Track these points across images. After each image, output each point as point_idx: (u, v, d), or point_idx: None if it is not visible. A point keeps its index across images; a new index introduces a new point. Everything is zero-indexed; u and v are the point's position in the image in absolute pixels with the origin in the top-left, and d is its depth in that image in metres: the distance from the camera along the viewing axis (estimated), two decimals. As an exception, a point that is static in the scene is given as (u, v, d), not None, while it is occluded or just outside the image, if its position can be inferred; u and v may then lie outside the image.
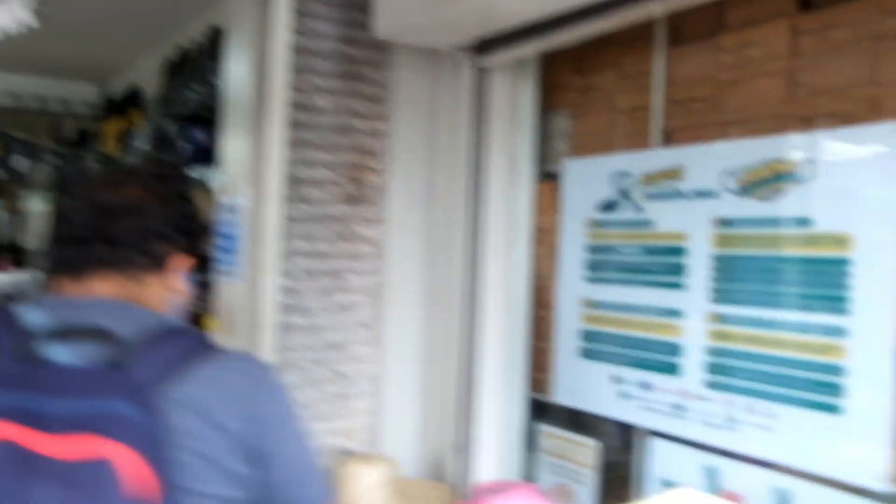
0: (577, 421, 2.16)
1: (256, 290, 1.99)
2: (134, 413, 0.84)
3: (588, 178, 2.05)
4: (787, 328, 1.58)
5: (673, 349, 1.81)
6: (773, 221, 1.62)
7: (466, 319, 2.25)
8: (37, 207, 4.87)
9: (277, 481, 0.96)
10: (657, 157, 1.87)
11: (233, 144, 2.07)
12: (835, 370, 1.49)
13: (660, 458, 1.84)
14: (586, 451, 2.07)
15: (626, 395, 1.93)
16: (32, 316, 0.91)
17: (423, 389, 2.39)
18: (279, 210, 1.99)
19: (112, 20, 3.16)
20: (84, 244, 0.97)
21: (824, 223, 1.53)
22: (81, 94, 4.55)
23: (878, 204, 1.44)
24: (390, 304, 2.32)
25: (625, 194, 1.95)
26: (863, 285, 1.46)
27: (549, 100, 2.30)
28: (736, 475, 1.67)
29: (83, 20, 3.16)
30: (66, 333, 0.89)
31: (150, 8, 2.91)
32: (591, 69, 2.15)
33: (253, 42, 2.04)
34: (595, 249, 2.04)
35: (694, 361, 1.76)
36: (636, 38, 1.97)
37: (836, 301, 1.49)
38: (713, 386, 1.72)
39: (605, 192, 2.00)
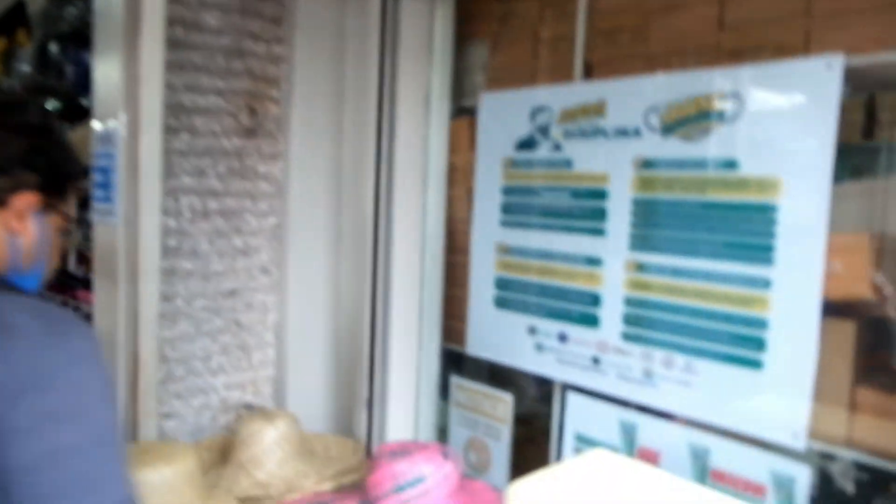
0: (494, 373, 2.05)
1: (136, 232, 1.77)
2: None
3: (505, 114, 1.89)
4: (708, 278, 1.47)
5: (592, 299, 1.69)
6: (697, 163, 1.50)
7: (377, 265, 2.08)
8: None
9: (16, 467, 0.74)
10: (578, 92, 1.72)
11: (105, 65, 1.80)
12: (757, 323, 1.40)
13: (576, 413, 1.75)
14: (501, 405, 1.96)
15: (542, 348, 1.81)
16: None
17: (330, 339, 2.23)
18: (159, 141, 1.76)
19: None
20: None
21: (750, 166, 1.41)
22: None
23: (808, 145, 1.33)
24: (293, 247, 2.13)
25: (543, 132, 1.79)
26: (788, 234, 1.36)
27: (466, 29, 2.10)
28: (652, 431, 1.59)
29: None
30: None
31: None
32: (513, -7, 1.96)
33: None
34: (511, 191, 1.89)
35: (612, 313, 1.65)
36: (561, -41, 1.79)
37: (760, 250, 1.39)
38: (631, 338, 1.61)
39: (523, 129, 1.84)
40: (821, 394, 1.33)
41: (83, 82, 2.54)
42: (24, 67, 3.14)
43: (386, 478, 1.46)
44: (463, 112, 2.10)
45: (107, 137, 1.83)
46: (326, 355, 2.22)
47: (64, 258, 3.17)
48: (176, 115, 1.88)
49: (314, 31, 2.07)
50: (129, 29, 1.72)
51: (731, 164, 1.44)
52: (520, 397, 1.96)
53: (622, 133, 1.62)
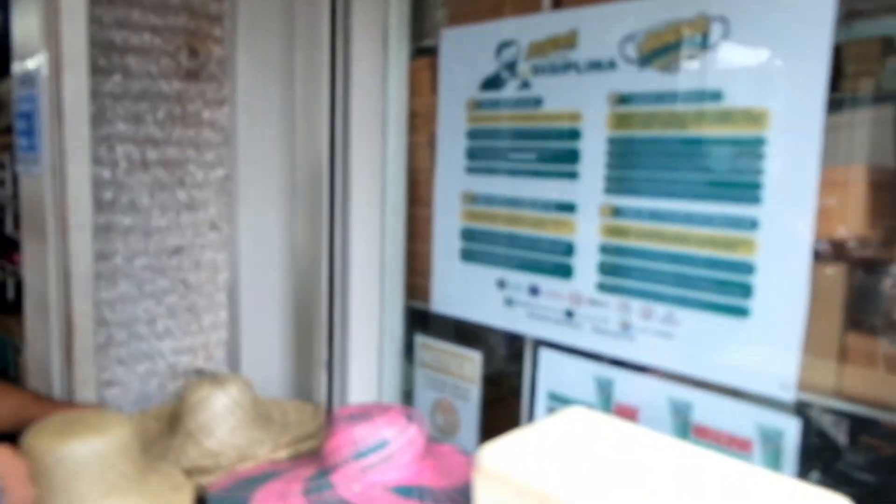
0: (460, 331, 1.94)
1: (64, 183, 1.60)
2: None
3: (469, 51, 1.74)
4: (689, 221, 1.36)
5: (564, 248, 1.58)
6: (677, 96, 1.37)
7: (334, 218, 1.94)
8: None
9: None
10: (547, 22, 1.57)
11: (23, -1, 1.62)
12: (743, 268, 1.29)
13: (549, 371, 1.64)
14: (468, 364, 1.85)
15: (512, 302, 1.70)
16: None
17: (286, 299, 2.09)
18: (85, 80, 1.58)
19: None
20: None
21: (736, 97, 1.29)
22: None
23: (798, 70, 1.21)
24: (243, 201, 1.97)
25: (510, 69, 1.65)
26: (777, 169, 1.25)
27: (427, -41, 1.94)
28: (630, 387, 1.49)
29: None
30: None
31: None
32: (476, -82, 1.80)
33: None
34: (477, 135, 1.75)
35: (586, 262, 1.54)
36: None
37: (746, 188, 1.28)
38: (607, 289, 1.50)
39: (488, 66, 1.70)
40: (811, 342, 1.24)
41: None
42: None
43: (345, 443, 1.34)
44: (423, 53, 1.94)
45: (28, 79, 1.64)
46: (283, 316, 2.08)
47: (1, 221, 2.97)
48: (106, 53, 1.70)
49: (259, -38, 1.90)
50: (46, -46, 1.53)
51: (714, 96, 1.32)
52: (489, 356, 1.85)
53: (595, 66, 1.49)
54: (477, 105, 1.74)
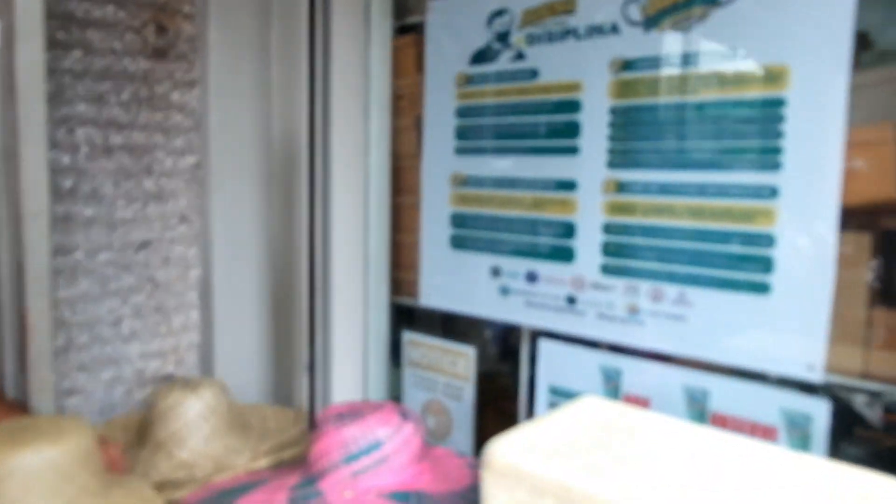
0: (450, 326, 1.82)
1: (17, 167, 1.45)
2: None
3: (457, 23, 1.63)
4: (702, 193, 1.26)
5: (564, 230, 1.47)
6: (686, 59, 1.28)
7: (314, 209, 1.81)
8: None
9: None
10: (544, -13, 1.48)
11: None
12: (762, 240, 1.19)
13: (550, 363, 1.53)
14: (462, 360, 1.73)
15: (507, 291, 1.58)
16: None
17: (263, 297, 1.95)
18: (41, 53, 1.44)
19: None
20: None
21: (752, 54, 1.20)
22: None
23: (821, 23, 1.12)
24: (216, 191, 1.83)
25: (502, 39, 1.55)
26: (798, 132, 1.15)
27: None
28: (640, 376, 1.38)
29: None
30: None
31: None
32: None
33: None
34: (467, 112, 1.64)
35: (589, 243, 1.43)
36: None
37: (765, 154, 1.18)
38: (612, 271, 1.40)
39: (479, 38, 1.60)
40: (838, 319, 1.14)
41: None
42: None
43: (333, 446, 1.21)
44: (406, 30, 1.83)
45: (-24, 54, 1.50)
46: (259, 316, 1.94)
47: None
48: (65, 26, 1.57)
49: (231, -66, 1.78)
50: (-5, -86, 1.40)
51: (727, 56, 1.22)
52: (481, 351, 1.73)
53: (596, 31, 1.39)
54: (467, 80, 1.63)
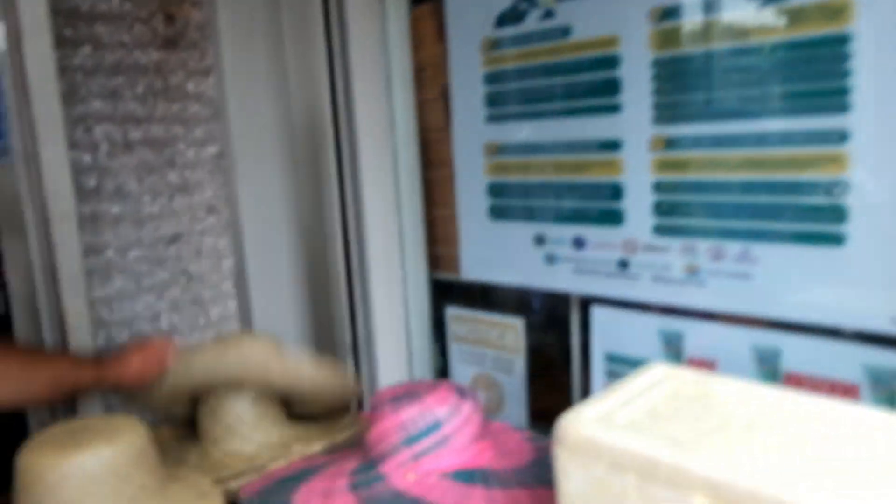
0: (492, 299, 1.77)
1: (39, 170, 1.41)
2: None
3: (480, -16, 1.55)
4: (762, 143, 1.19)
5: (611, 191, 1.40)
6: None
7: (344, 189, 1.76)
8: None
9: None
10: (573, -64, 1.39)
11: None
12: (834, 188, 1.12)
13: (604, 330, 1.47)
14: (509, 332, 1.68)
15: (554, 259, 1.53)
16: None
17: (300, 281, 1.91)
18: (50, 52, 1.39)
19: None
20: None
21: (808, -9, 1.12)
22: None
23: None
24: (241, 179, 1.78)
25: (531, -4, 1.47)
26: (867, 68, 1.07)
27: None
28: (703, 338, 1.32)
29: None
30: None
31: None
32: None
33: None
34: (496, 79, 1.57)
35: (639, 204, 1.36)
36: None
37: (831, 96, 1.11)
38: (666, 231, 1.33)
39: (502, 0, 1.52)
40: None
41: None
42: None
43: (392, 429, 1.17)
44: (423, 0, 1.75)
45: (-15, 55, 1.45)
46: (297, 301, 1.91)
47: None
48: (71, 23, 1.51)
49: None
50: None
51: (780, -6, 1.14)
52: (529, 322, 1.68)
53: (633, -21, 1.31)
54: (493, 45, 1.55)
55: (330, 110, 1.72)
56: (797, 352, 1.20)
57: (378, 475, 1.17)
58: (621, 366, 1.44)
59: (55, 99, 1.41)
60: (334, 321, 1.82)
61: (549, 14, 1.45)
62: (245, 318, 1.84)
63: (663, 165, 1.32)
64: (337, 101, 1.72)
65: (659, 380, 1.01)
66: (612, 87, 1.37)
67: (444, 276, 1.82)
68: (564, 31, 1.43)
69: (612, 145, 1.38)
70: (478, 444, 1.22)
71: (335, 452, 1.44)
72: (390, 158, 1.79)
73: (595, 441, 0.86)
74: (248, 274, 1.81)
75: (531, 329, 1.65)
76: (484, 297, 1.75)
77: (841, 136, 1.10)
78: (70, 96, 1.50)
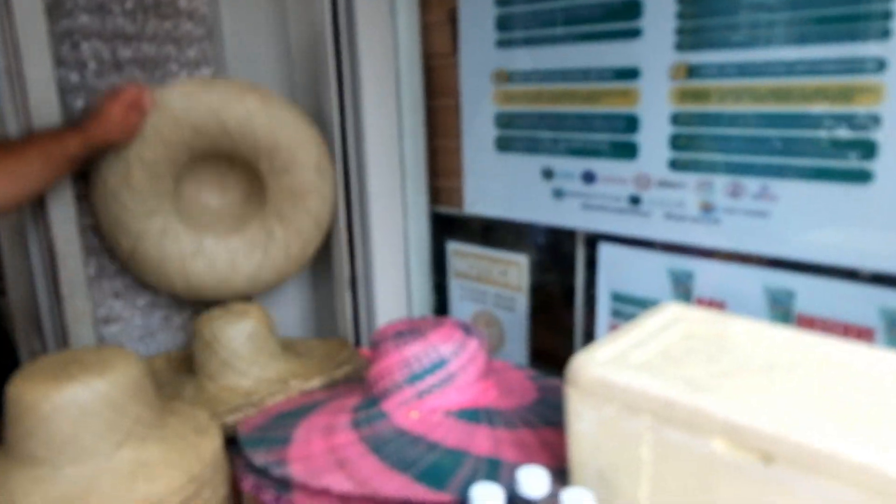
0: (494, 235, 1.72)
1: (24, 88, 1.33)
2: None
3: None
4: (790, 72, 1.12)
5: (626, 123, 1.34)
6: (771, -81, 1.11)
7: (344, 116, 1.68)
8: None
9: None
10: None
11: None
12: (865, 122, 1.06)
13: (611, 268, 1.43)
14: (512, 269, 1.64)
15: (562, 193, 1.47)
16: None
17: (296, 215, 1.84)
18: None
19: None
20: None
21: None
22: None
23: None
24: (237, 104, 1.70)
25: None
26: (910, -7, 1.00)
27: None
28: (714, 278, 1.28)
29: None
30: None
31: None
32: None
33: None
34: (508, 0, 1.48)
35: (655, 136, 1.30)
36: None
37: (868, 20, 1.04)
38: (682, 166, 1.28)
39: (520, -87, 1.42)
40: (946, 205, 1.02)
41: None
42: None
43: (396, 366, 1.14)
44: None
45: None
46: (294, 233, 1.85)
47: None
48: (54, -74, 1.40)
49: None
50: None
51: (820, -90, 1.06)
52: (533, 259, 1.63)
53: None
54: (506, -37, 1.46)
55: (331, 32, 1.63)
56: (811, 293, 1.17)
57: (380, 412, 1.14)
58: (628, 305, 1.41)
59: (39, 11, 1.32)
60: (332, 254, 1.77)
61: (566, -69, 1.36)
62: (241, 249, 1.79)
63: (683, 95, 1.25)
64: (338, 22, 1.63)
65: (672, 320, 0.97)
66: (633, 9, 1.28)
67: (446, 210, 1.77)
68: (582, -50, 1.34)
69: (630, 73, 1.31)
70: (482, 383, 1.19)
71: (335, 388, 1.41)
72: (393, 85, 1.71)
73: (608, 382, 0.83)
74: (244, 203, 1.75)
75: (535, 266, 1.61)
76: (487, 232, 1.70)
77: (878, 65, 1.03)
78: (55, 9, 1.41)
